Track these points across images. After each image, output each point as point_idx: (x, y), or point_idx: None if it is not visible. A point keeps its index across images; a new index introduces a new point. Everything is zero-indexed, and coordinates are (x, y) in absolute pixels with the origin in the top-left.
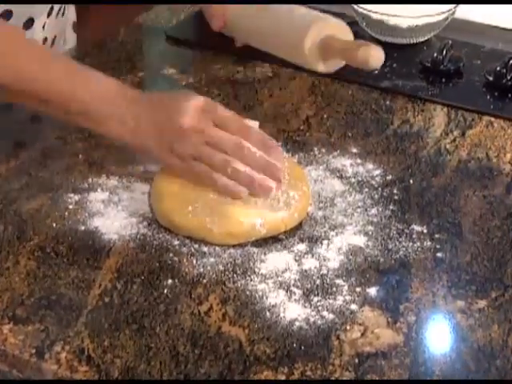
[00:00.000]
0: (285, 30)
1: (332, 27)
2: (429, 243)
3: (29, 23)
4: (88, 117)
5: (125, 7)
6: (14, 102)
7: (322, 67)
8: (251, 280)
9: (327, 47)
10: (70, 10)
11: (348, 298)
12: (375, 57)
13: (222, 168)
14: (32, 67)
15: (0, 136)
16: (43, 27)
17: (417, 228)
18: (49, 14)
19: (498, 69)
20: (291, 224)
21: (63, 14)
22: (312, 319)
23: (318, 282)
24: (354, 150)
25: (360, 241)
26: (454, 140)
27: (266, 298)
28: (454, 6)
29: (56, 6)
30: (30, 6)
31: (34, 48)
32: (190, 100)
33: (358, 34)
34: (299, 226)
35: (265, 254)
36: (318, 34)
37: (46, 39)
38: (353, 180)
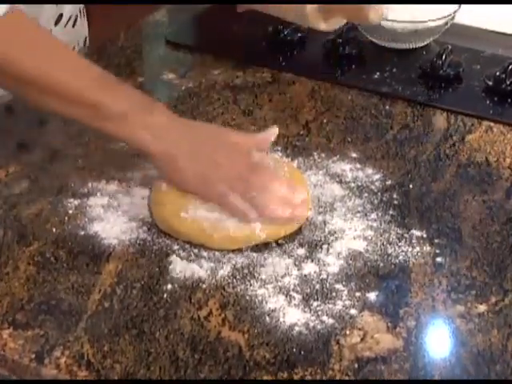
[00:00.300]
0: None
1: None
2: (428, 248)
3: None
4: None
5: (125, 11)
6: (38, 105)
7: (323, 26)
8: (251, 285)
9: (328, 5)
10: (84, 25)
11: (348, 302)
12: (375, 10)
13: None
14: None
15: (0, 140)
16: None
17: (416, 233)
18: (56, 22)
19: (498, 74)
20: (291, 229)
21: (74, 25)
22: (312, 324)
23: (317, 286)
24: (354, 155)
25: (360, 245)
26: (454, 145)
27: (266, 302)
28: (453, 10)
29: (65, 16)
30: (36, 11)
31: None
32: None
33: (358, 39)
34: (299, 230)
35: (264, 258)
36: None
37: None
38: (352, 185)
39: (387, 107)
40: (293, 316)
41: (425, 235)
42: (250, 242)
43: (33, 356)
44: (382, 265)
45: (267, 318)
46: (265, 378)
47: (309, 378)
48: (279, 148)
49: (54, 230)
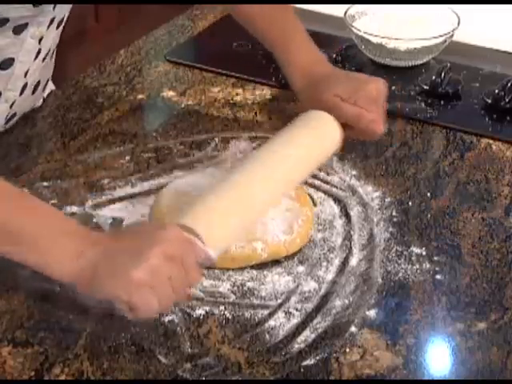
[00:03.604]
0: None
1: None
2: (428, 265)
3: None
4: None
5: (124, 31)
6: None
7: None
8: (250, 302)
9: None
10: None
11: (347, 319)
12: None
13: None
14: None
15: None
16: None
17: (416, 250)
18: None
19: (497, 91)
20: (293, 249)
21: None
22: (311, 341)
23: (317, 304)
24: (354, 173)
25: (359, 263)
26: (453, 162)
27: (266, 320)
28: (452, 28)
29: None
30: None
31: None
32: (154, 246)
33: (357, 57)
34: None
35: (264, 276)
36: None
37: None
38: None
39: (386, 124)
40: (292, 333)
41: (424, 252)
42: (251, 261)
43: (32, 373)
44: (381, 282)
45: (267, 336)
46: None
47: None
48: None
49: None
